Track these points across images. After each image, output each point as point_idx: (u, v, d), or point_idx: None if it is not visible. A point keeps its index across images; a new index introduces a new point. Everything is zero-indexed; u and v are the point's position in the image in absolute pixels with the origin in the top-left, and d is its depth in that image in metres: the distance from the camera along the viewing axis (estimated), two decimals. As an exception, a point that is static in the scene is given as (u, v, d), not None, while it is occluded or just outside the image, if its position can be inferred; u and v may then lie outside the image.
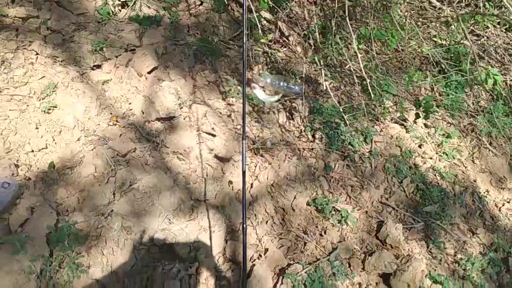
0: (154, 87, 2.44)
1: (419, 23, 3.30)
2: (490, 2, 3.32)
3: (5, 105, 2.07)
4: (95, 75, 2.40)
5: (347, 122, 2.70)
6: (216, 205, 2.15)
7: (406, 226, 2.39)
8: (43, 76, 2.23)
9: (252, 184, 2.33)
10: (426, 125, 3.14)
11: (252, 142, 2.50)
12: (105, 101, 2.33)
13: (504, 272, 2.39)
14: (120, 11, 2.75)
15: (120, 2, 2.74)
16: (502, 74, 3.47)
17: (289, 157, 2.49)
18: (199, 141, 2.35)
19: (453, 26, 3.42)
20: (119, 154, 2.15)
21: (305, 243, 2.16)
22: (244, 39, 1.98)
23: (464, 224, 2.57)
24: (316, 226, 2.26)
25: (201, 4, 3.08)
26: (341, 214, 2.26)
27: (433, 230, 2.43)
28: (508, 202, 2.88)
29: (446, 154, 2.95)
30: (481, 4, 3.31)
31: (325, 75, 3.06)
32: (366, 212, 2.41)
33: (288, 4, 3.26)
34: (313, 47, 3.28)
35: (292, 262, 2.04)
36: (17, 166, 1.92)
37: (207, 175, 2.26)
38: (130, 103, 2.38)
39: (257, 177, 2.35)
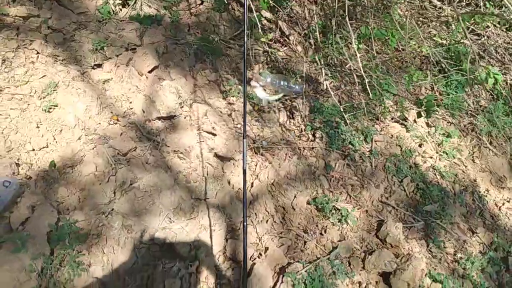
0: (154, 86, 2.45)
1: (419, 23, 3.30)
2: (490, 2, 3.33)
3: (6, 104, 2.08)
4: (96, 74, 2.41)
5: (348, 121, 2.70)
6: (216, 204, 2.16)
7: (406, 225, 2.40)
8: (44, 75, 2.24)
9: (252, 183, 2.33)
10: (428, 124, 3.14)
11: (252, 141, 2.50)
12: (106, 100, 2.33)
13: (503, 271, 2.39)
14: (121, 10, 2.76)
15: (120, 1, 2.74)
16: (503, 74, 3.47)
17: (289, 156, 2.49)
18: (200, 140, 2.36)
19: (453, 26, 3.42)
20: (120, 153, 2.15)
21: (305, 242, 2.17)
22: (245, 38, 1.98)
23: (464, 223, 2.57)
24: (316, 225, 2.26)
25: (201, 4, 3.08)
26: (341, 213, 2.26)
27: (433, 229, 2.43)
28: (508, 201, 2.88)
29: (446, 154, 2.95)
30: (482, 4, 3.32)
31: (326, 74, 3.06)
32: (366, 211, 2.42)
33: (289, 3, 3.27)
34: (313, 47, 3.28)
35: (292, 261, 2.05)
36: (18, 165, 1.93)
37: (207, 174, 2.26)
38: (130, 102, 2.38)
39: (257, 176, 2.36)
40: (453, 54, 3.48)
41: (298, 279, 1.91)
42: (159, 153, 2.25)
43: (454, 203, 2.64)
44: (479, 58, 2.72)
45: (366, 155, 2.67)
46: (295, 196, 2.31)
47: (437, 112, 3.14)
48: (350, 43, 2.64)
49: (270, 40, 3.12)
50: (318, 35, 3.07)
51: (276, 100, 2.82)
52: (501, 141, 3.27)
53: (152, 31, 2.67)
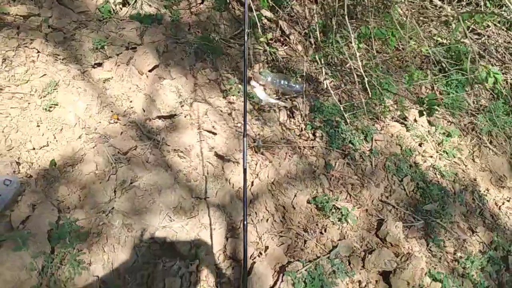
0: (155, 85, 2.45)
1: (419, 22, 3.30)
2: (490, 1, 3.33)
3: (6, 102, 2.08)
4: (96, 73, 2.41)
5: (348, 120, 2.70)
6: (216, 203, 2.16)
7: (406, 224, 2.40)
8: (44, 74, 2.24)
9: (252, 182, 2.33)
10: (430, 122, 3.14)
11: (252, 140, 2.50)
12: (106, 99, 2.33)
13: (503, 270, 2.39)
14: (121, 9, 2.76)
15: (121, 1, 2.74)
16: (503, 73, 3.47)
17: (289, 155, 2.50)
18: (200, 139, 2.36)
19: (453, 25, 3.42)
20: (120, 152, 2.15)
21: (305, 241, 2.17)
22: (245, 37, 1.98)
23: (464, 223, 2.57)
24: (317, 224, 2.26)
25: (202, 3, 3.08)
26: (341, 212, 2.26)
27: (433, 229, 2.43)
28: (508, 200, 2.88)
29: (447, 153, 2.95)
30: (482, 3, 3.32)
31: (326, 73, 3.06)
32: (366, 210, 2.42)
33: (289, 2, 3.27)
34: (313, 46, 3.28)
35: (292, 259, 2.05)
36: (18, 163, 1.93)
37: (207, 173, 2.26)
38: (131, 101, 2.39)
39: (257, 175, 2.36)
40: (453, 54, 3.48)
41: (298, 278, 1.92)
42: (159, 152, 2.25)
43: (454, 202, 2.64)
44: (479, 57, 2.72)
45: (366, 154, 2.68)
46: (295, 195, 2.31)
47: (437, 112, 3.14)
48: (351, 43, 2.65)
49: (271, 39, 3.12)
50: (318, 35, 3.07)
51: (274, 102, 2.81)
52: (501, 140, 3.27)
53: (152, 30, 2.68)
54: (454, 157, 2.97)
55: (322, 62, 3.05)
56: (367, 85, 2.56)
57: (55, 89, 2.21)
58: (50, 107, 2.15)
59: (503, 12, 3.47)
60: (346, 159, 2.60)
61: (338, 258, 2.10)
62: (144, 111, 2.37)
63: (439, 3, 3.41)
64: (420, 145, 2.95)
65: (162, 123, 2.39)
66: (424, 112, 2.50)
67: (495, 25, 3.79)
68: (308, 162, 2.51)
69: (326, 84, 2.93)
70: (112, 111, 2.30)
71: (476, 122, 3.27)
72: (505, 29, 3.82)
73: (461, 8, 3.49)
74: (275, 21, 3.25)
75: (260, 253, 2.04)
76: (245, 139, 1.83)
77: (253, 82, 2.83)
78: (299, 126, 2.75)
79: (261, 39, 2.97)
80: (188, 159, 2.28)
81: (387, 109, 3.03)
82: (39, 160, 1.99)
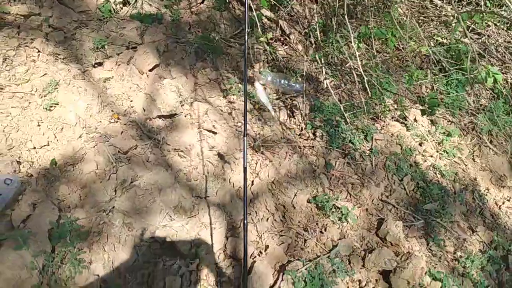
0: (155, 85, 2.45)
1: (420, 22, 3.30)
2: (490, 1, 3.33)
3: (7, 102, 2.08)
4: (97, 72, 2.41)
5: (348, 120, 2.70)
6: (217, 202, 2.16)
7: (406, 224, 2.40)
8: (45, 74, 2.24)
9: (253, 181, 2.34)
10: (432, 121, 3.14)
11: (253, 139, 2.51)
12: (107, 98, 2.34)
13: (503, 269, 2.39)
14: (122, 9, 2.76)
15: (121, 0, 2.74)
16: (503, 73, 3.48)
17: (289, 155, 2.50)
18: (200, 138, 2.36)
19: (453, 24, 3.42)
20: (121, 151, 2.16)
21: (305, 240, 2.17)
22: (246, 37, 1.98)
23: (464, 222, 2.57)
24: (317, 223, 2.26)
25: (202, 2, 3.08)
26: (341, 212, 2.27)
27: (433, 228, 2.44)
28: (508, 200, 2.88)
29: (447, 152, 2.95)
30: (482, 3, 3.32)
31: (326, 73, 3.07)
32: (367, 209, 2.42)
33: (289, 2, 3.27)
34: (314, 45, 3.28)
35: (292, 259, 2.05)
36: (19, 162, 1.93)
37: (208, 172, 2.27)
38: (131, 101, 2.39)
39: (257, 174, 2.36)
40: (453, 53, 3.49)
41: (298, 277, 1.92)
42: (159, 151, 2.25)
43: (454, 202, 2.64)
44: (479, 57, 2.72)
45: (367, 154, 2.68)
46: (295, 195, 2.31)
47: (437, 111, 3.15)
48: (351, 42, 2.65)
49: (271, 39, 3.12)
50: (318, 34, 3.08)
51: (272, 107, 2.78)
52: (501, 140, 3.27)
53: (153, 30, 2.68)
54: (454, 156, 2.97)
55: (322, 61, 3.05)
56: (367, 85, 2.56)
57: (55, 88, 2.21)
58: (51, 106, 2.15)
59: (503, 12, 3.47)
60: (346, 158, 2.61)
61: (338, 257, 2.10)
62: (144, 110, 2.37)
63: (439, 2, 3.41)
64: (420, 144, 2.95)
65: (163, 123, 2.39)
66: (426, 111, 2.50)
67: (495, 24, 3.79)
68: (308, 162, 2.51)
69: (326, 84, 2.93)
70: (112, 111, 2.30)
71: (476, 122, 3.27)
72: (505, 29, 3.82)
73: (461, 8, 3.49)
74: (275, 21, 3.26)
75: (260, 252, 2.05)
76: (245, 138, 1.83)
77: (256, 84, 2.78)
78: (299, 125, 2.75)
79: (261, 39, 2.97)
80: (188, 158, 2.28)
81: (387, 109, 3.03)
82: (40, 160, 1.99)
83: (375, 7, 3.12)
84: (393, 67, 3.45)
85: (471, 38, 2.43)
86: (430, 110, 2.46)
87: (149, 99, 2.40)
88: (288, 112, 2.81)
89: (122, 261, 1.80)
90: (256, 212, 2.21)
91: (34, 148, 2.01)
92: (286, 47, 3.23)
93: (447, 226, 2.47)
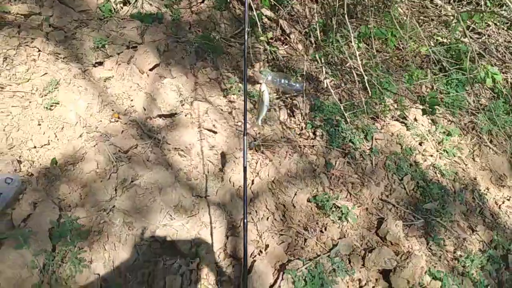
0: (155, 84, 2.45)
1: (420, 21, 3.30)
2: (490, 0, 3.33)
3: (7, 101, 2.09)
4: (97, 72, 2.41)
5: (348, 119, 2.71)
6: (217, 201, 2.16)
7: (406, 223, 2.40)
8: (45, 73, 2.25)
9: (253, 180, 2.34)
10: (433, 121, 3.14)
11: (253, 139, 2.51)
12: (107, 98, 2.34)
13: (503, 269, 2.40)
14: (122, 8, 2.76)
15: (121, 0, 2.75)
16: (503, 72, 3.48)
17: (290, 154, 2.50)
18: (200, 137, 2.37)
19: (453, 24, 3.42)
20: (121, 150, 2.16)
21: (305, 240, 2.18)
22: (246, 36, 1.99)
23: (464, 221, 2.58)
24: (317, 223, 2.27)
25: (202, 2, 3.08)
26: (341, 211, 2.27)
27: (433, 227, 2.44)
28: (508, 199, 2.88)
29: (447, 152, 2.96)
30: (482, 2, 3.32)
31: (326, 72, 3.07)
32: (367, 209, 2.42)
33: (290, 2, 3.27)
34: (314, 45, 3.28)
35: (292, 258, 2.06)
36: (19, 162, 1.94)
37: (208, 172, 2.27)
38: (131, 100, 2.39)
39: (258, 173, 2.36)
40: (453, 53, 3.49)
41: (298, 276, 1.92)
42: (160, 150, 2.25)
43: (454, 201, 2.64)
44: (479, 57, 2.72)
45: (367, 153, 2.68)
46: (295, 194, 2.31)
47: (437, 111, 3.15)
48: (351, 42, 2.65)
49: (271, 38, 3.13)
50: (318, 34, 3.08)
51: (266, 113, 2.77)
52: (501, 139, 3.27)
53: (153, 29, 2.68)
54: (454, 156, 2.98)
55: (322, 61, 3.06)
56: (367, 84, 2.56)
57: (56, 88, 2.21)
58: (51, 105, 2.15)
59: (503, 12, 3.48)
60: (346, 158, 2.61)
61: (338, 256, 2.10)
62: (144, 110, 2.37)
63: (439, 2, 3.41)
64: (420, 144, 2.95)
65: (163, 122, 2.39)
66: (427, 111, 2.50)
67: (495, 24, 3.79)
68: (308, 161, 2.51)
69: (326, 83, 2.94)
70: (113, 110, 2.30)
71: (476, 121, 3.28)
72: (505, 29, 3.82)
73: (461, 8, 3.49)
74: (275, 20, 3.26)
75: (261, 251, 2.05)
76: (245, 137, 1.83)
77: (263, 87, 2.70)
78: (299, 125, 2.75)
79: (262, 38, 2.97)
80: (188, 157, 2.28)
81: (387, 108, 3.03)
82: (40, 159, 1.99)
83: (375, 7, 3.12)
84: (393, 67, 3.45)
85: (471, 37, 2.44)
86: (430, 110, 2.46)
87: (149, 98, 2.40)
88: (288, 111, 2.81)
89: (122, 260, 1.81)
90: (256, 211, 2.21)
91: (35, 147, 2.01)
92: (286, 46, 3.23)
93: (447, 226, 2.48)
